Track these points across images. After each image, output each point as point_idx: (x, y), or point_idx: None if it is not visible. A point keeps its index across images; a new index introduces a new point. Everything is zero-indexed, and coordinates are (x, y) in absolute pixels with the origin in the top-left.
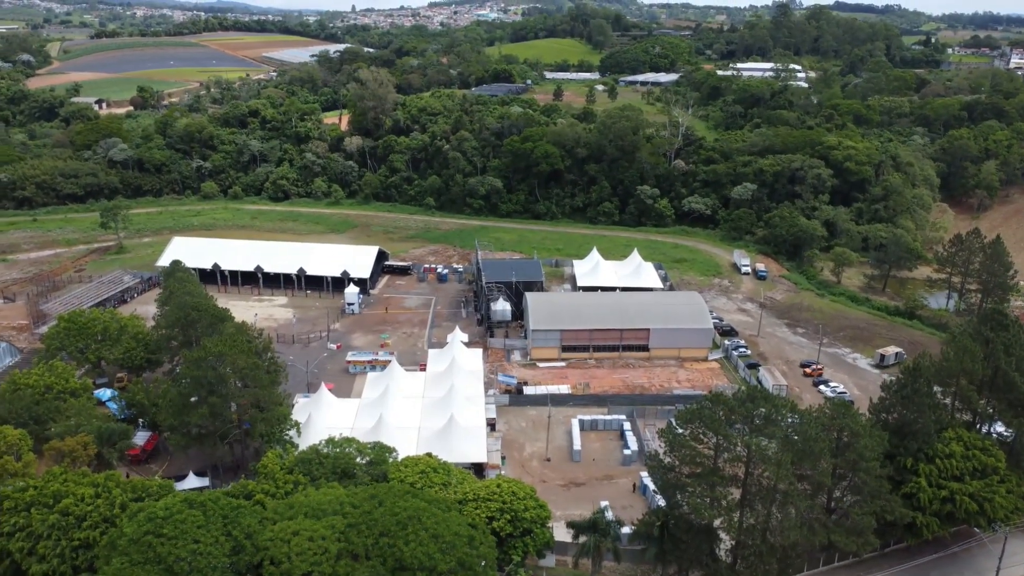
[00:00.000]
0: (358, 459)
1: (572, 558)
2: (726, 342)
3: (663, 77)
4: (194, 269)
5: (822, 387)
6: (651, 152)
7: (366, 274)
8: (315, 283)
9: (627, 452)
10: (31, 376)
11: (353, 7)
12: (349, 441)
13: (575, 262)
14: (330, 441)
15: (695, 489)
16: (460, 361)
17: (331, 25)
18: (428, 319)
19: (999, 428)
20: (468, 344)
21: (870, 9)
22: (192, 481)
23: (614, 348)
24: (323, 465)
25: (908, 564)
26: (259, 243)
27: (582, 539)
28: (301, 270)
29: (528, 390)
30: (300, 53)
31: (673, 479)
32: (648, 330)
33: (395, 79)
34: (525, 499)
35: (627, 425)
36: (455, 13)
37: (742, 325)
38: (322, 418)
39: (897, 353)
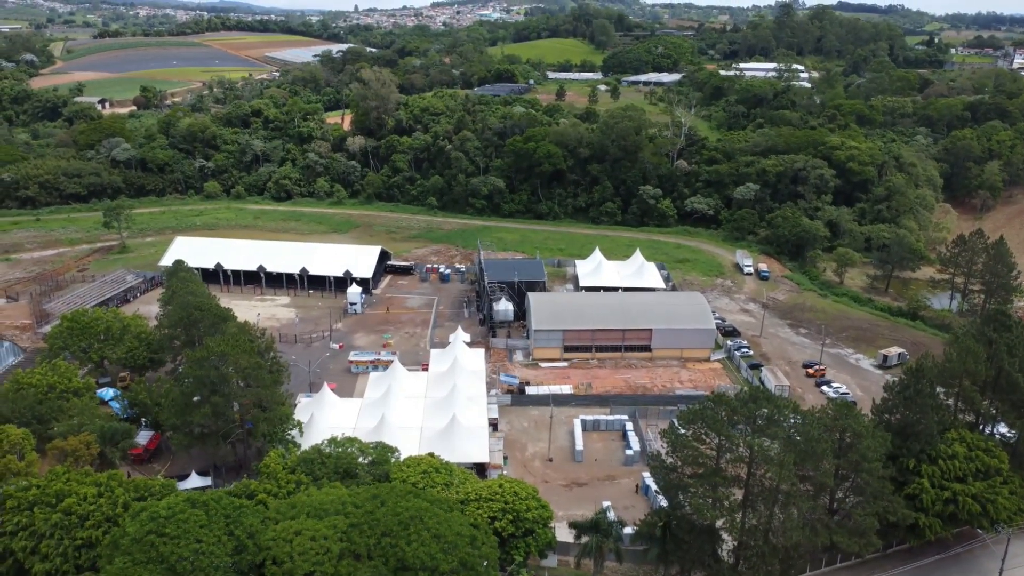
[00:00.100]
0: (360, 459)
1: (574, 558)
2: (728, 342)
3: (666, 77)
4: (197, 269)
5: (824, 388)
6: (654, 152)
7: (368, 274)
8: (317, 283)
9: (629, 452)
10: (34, 375)
11: (356, 7)
12: (351, 441)
13: (577, 262)
14: (332, 441)
15: (697, 490)
16: (462, 361)
17: (334, 25)
18: (430, 319)
19: (1002, 429)
20: (470, 344)
21: (873, 9)
22: (194, 480)
23: (616, 348)
24: (325, 465)
25: (910, 565)
26: (262, 243)
27: (584, 539)
28: (304, 270)
29: (530, 390)
30: (303, 53)
31: (675, 479)
32: (650, 330)
33: (398, 79)
34: (527, 499)
35: (629, 425)
36: (458, 13)
37: (744, 325)
38: (324, 418)
39: (900, 354)
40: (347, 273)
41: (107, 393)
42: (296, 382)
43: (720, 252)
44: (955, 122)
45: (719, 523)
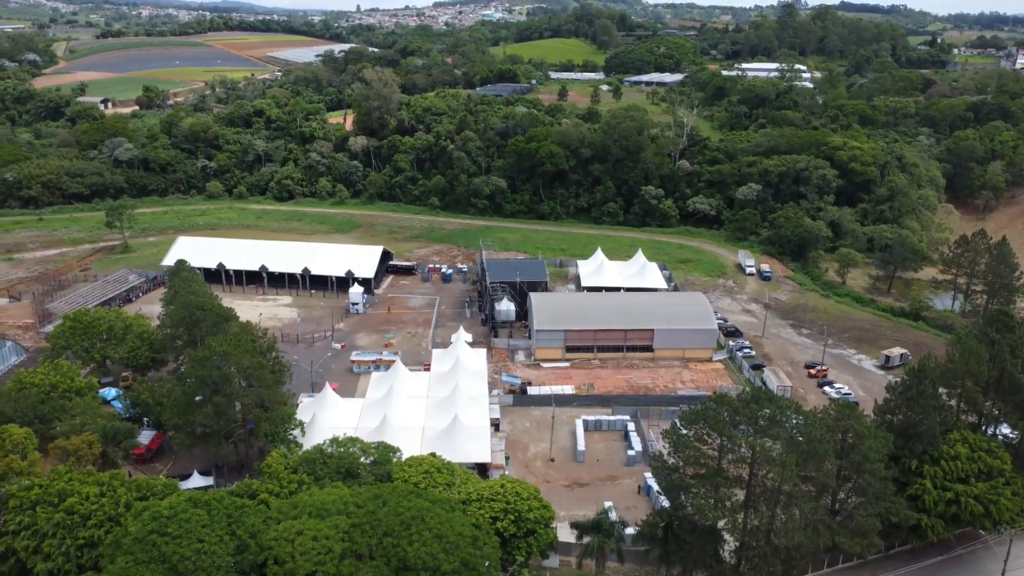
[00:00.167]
0: (362, 459)
1: (576, 559)
2: (730, 343)
3: (668, 77)
4: (199, 268)
5: (827, 388)
6: (656, 152)
7: (370, 274)
8: (319, 283)
9: (631, 453)
10: (36, 375)
11: (358, 7)
12: (353, 441)
13: (579, 262)
14: (334, 441)
15: (699, 490)
16: (464, 361)
17: (336, 25)
18: (432, 319)
19: (1005, 430)
20: (472, 344)
21: (876, 9)
22: (196, 480)
23: (618, 348)
24: (327, 465)
25: (913, 566)
26: (264, 243)
27: (586, 540)
28: (306, 270)
29: (532, 390)
30: (305, 53)
31: (677, 480)
32: (652, 331)
33: (400, 79)
34: (529, 499)
35: (631, 426)
36: (460, 13)
37: (746, 326)
38: (326, 418)
39: (902, 354)
40: (349, 273)
41: (109, 393)
42: (298, 382)
43: (722, 252)
44: (958, 122)
45: (721, 524)
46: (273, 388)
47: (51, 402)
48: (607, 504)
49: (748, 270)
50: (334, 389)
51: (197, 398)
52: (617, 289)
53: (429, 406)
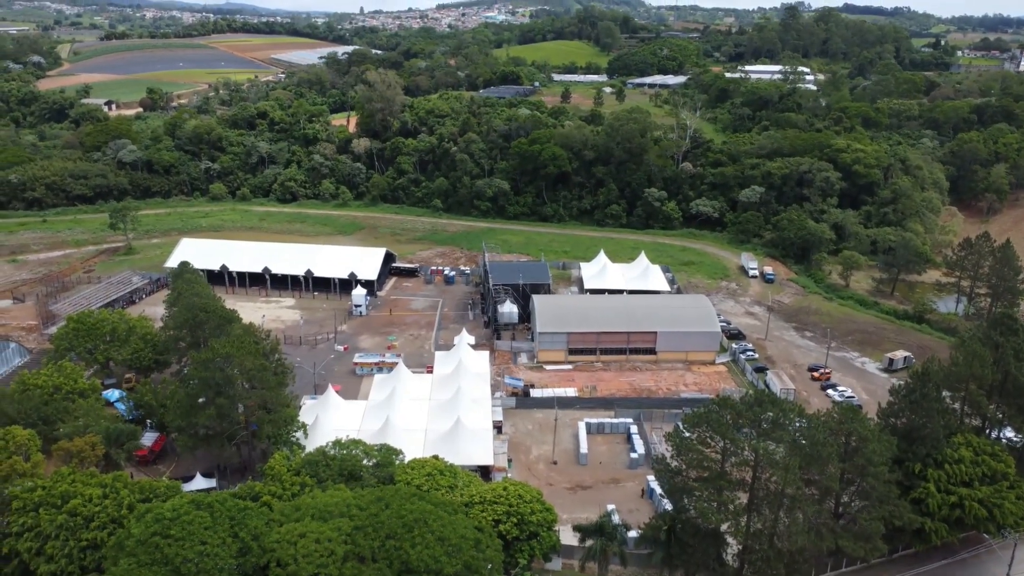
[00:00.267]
0: (365, 461)
1: (578, 562)
2: (733, 345)
3: (671, 79)
4: (202, 270)
5: (830, 391)
6: (659, 155)
7: (373, 276)
8: (322, 285)
9: (634, 455)
10: (40, 376)
11: (361, 9)
12: (356, 443)
13: (582, 264)
14: (337, 443)
15: (702, 493)
16: (467, 363)
17: (339, 27)
18: (435, 321)
19: (1009, 433)
20: (475, 346)
21: (879, 11)
22: (199, 482)
23: (621, 351)
24: (330, 467)
25: (916, 570)
26: (267, 245)
27: (588, 543)
28: (309, 272)
29: (535, 393)
30: (308, 55)
31: (680, 483)
32: (655, 333)
33: (403, 81)
34: (531, 502)
35: (634, 428)
36: (463, 15)
37: (750, 328)
38: (329, 420)
39: (906, 357)
40: (352, 275)
41: (112, 394)
42: (301, 384)
43: (725, 255)
44: (961, 125)
45: (724, 527)
46: (276, 390)
47: (54, 404)
48: (610, 507)
49: (751, 273)
50: (337, 391)
51: (200, 400)
52: (620, 291)
53: (432, 408)
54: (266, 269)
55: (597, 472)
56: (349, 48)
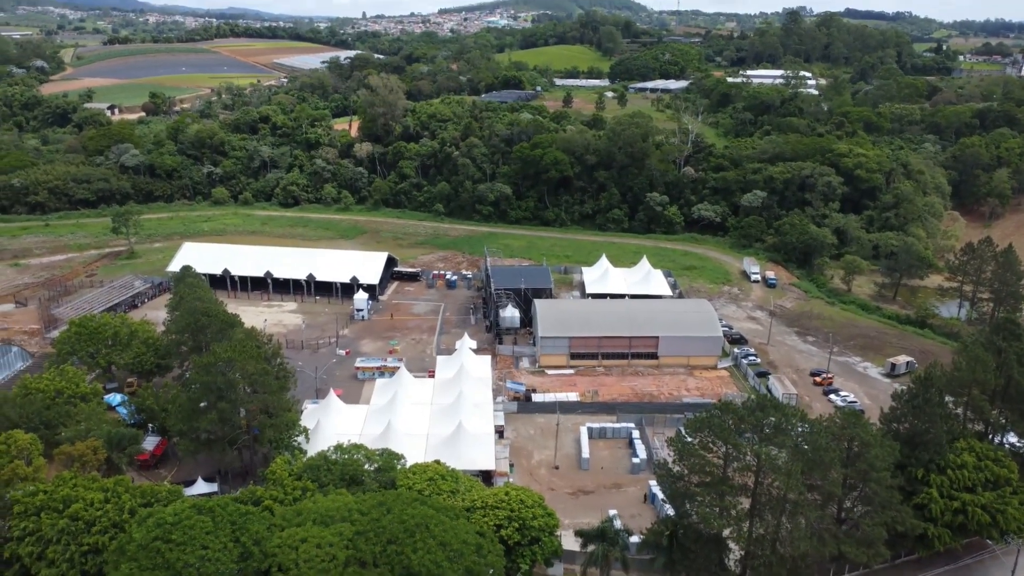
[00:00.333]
0: (366, 466)
1: (580, 567)
2: (735, 350)
3: (673, 84)
4: (204, 274)
5: (832, 396)
6: (661, 159)
7: (375, 280)
8: (324, 289)
9: (636, 460)
10: (42, 380)
11: (363, 13)
12: (357, 447)
13: (584, 269)
14: (338, 447)
15: (704, 498)
16: (469, 368)
17: (341, 31)
18: (437, 325)
19: (1012, 439)
20: (477, 351)
21: (881, 16)
22: (201, 487)
23: (623, 356)
24: (331, 471)
25: None
26: (269, 249)
27: (590, 548)
28: (310, 276)
29: (537, 397)
30: (311, 59)
31: (682, 488)
32: (657, 338)
33: (405, 85)
34: (533, 507)
35: (636, 433)
36: (465, 20)
37: (752, 333)
38: (331, 424)
39: (908, 362)
40: (354, 279)
41: (114, 398)
42: (302, 388)
43: (727, 259)
44: (963, 129)
45: (726, 532)
46: (278, 394)
47: (56, 408)
48: (612, 512)
49: (753, 277)
50: (338, 395)
51: (202, 404)
52: (622, 296)
53: (433, 413)
54: (268, 273)
55: (599, 477)
56: (351, 53)
